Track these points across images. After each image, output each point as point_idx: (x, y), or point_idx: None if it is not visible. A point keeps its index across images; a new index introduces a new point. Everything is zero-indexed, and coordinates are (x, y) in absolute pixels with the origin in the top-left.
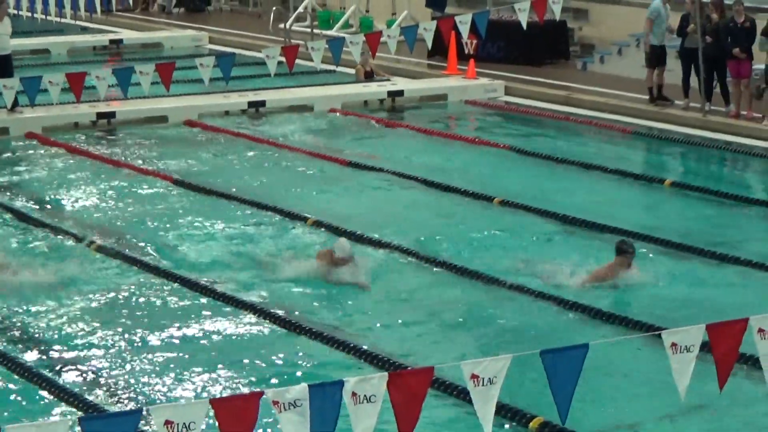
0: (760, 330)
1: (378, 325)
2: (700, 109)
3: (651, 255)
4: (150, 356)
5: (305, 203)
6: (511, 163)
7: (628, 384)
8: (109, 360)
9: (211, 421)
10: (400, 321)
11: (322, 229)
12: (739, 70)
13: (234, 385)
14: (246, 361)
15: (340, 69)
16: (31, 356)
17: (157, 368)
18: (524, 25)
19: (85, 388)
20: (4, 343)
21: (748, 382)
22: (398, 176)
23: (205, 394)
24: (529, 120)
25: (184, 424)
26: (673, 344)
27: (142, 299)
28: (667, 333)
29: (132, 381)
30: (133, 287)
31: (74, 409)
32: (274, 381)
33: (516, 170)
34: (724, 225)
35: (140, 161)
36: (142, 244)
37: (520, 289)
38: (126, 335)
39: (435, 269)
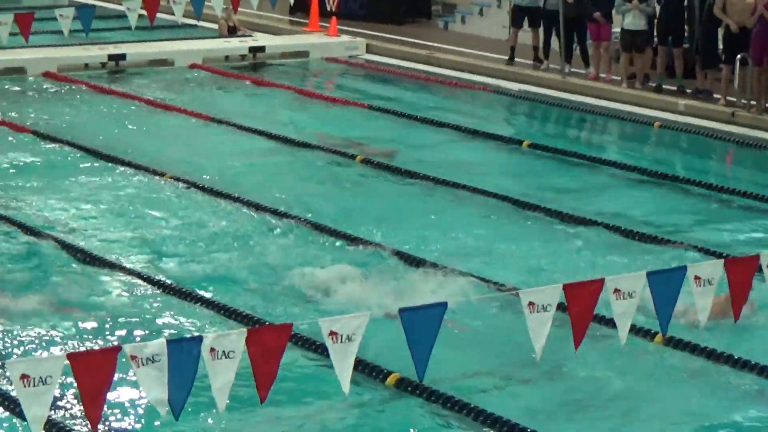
0: (616, 290)
1: (240, 283)
2: (559, 71)
3: (507, 216)
4: (6, 312)
5: (164, 158)
6: (371, 121)
7: (490, 343)
8: None
9: (69, 380)
10: (263, 280)
11: (181, 184)
12: (599, 33)
13: (94, 342)
14: (107, 317)
15: (202, 23)
16: None
17: (16, 324)
18: None
19: None
20: None
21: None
22: (257, 133)
23: (63, 350)
24: (389, 79)
25: (41, 378)
26: (531, 303)
27: None
28: (524, 293)
29: None
30: None
31: None
32: (136, 337)
33: (376, 129)
34: (581, 187)
35: None
36: None
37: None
38: None
39: (300, 228)
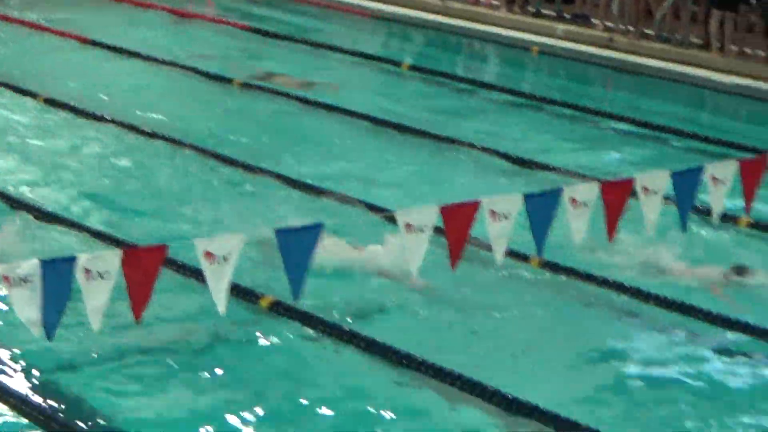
0: (492, 212)
1: (120, 208)
2: None
3: (384, 139)
4: None
5: (38, 79)
6: (253, 44)
7: (367, 267)
8: None
9: None
10: (144, 205)
11: (59, 110)
12: None
13: None
14: None
15: None
16: None
17: None
18: None
19: None
20: None
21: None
22: (133, 55)
23: None
24: (270, 1)
25: None
26: (408, 225)
27: None
28: (401, 213)
29: None
30: None
31: None
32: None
33: (258, 52)
34: (459, 111)
35: None
36: None
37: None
38: None
39: (182, 151)
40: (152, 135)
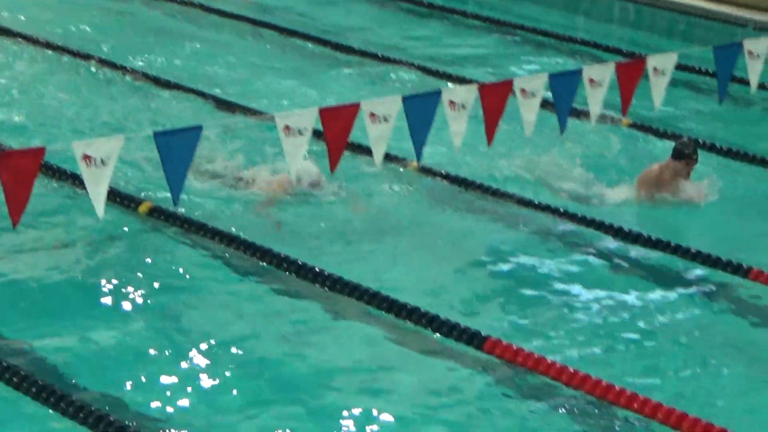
0: (372, 114)
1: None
2: None
3: (270, 40)
4: None
5: None
6: None
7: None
8: None
9: None
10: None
11: None
12: None
13: None
14: None
15: None
16: None
17: None
18: None
19: None
20: None
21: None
22: None
23: None
24: None
25: None
26: (286, 127)
27: None
28: (280, 116)
29: None
30: None
31: None
32: None
33: None
34: (361, 24)
35: None
36: None
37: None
38: None
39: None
40: (33, 41)
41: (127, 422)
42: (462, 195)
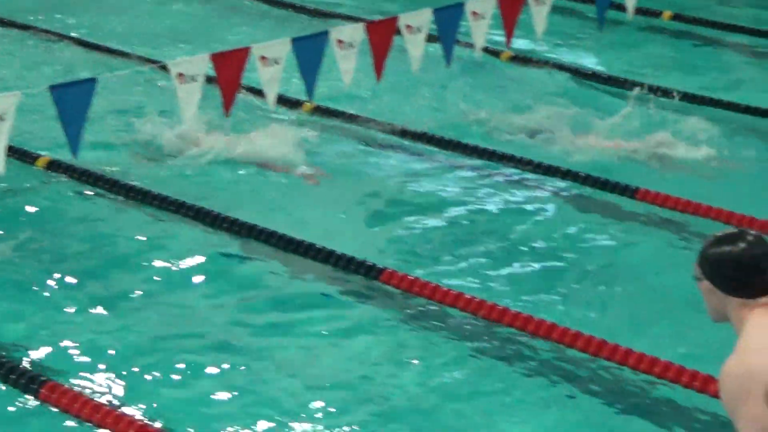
0: (262, 58)
1: None
2: None
3: None
4: None
5: None
6: None
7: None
8: None
9: None
10: None
11: None
12: None
13: None
14: None
15: None
16: None
17: None
18: None
19: None
20: None
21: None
22: None
23: None
24: None
25: None
26: (180, 74)
27: None
28: (173, 64)
29: None
30: None
31: None
32: None
33: None
34: None
35: None
36: None
37: None
38: None
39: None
40: None
41: None
42: (352, 129)
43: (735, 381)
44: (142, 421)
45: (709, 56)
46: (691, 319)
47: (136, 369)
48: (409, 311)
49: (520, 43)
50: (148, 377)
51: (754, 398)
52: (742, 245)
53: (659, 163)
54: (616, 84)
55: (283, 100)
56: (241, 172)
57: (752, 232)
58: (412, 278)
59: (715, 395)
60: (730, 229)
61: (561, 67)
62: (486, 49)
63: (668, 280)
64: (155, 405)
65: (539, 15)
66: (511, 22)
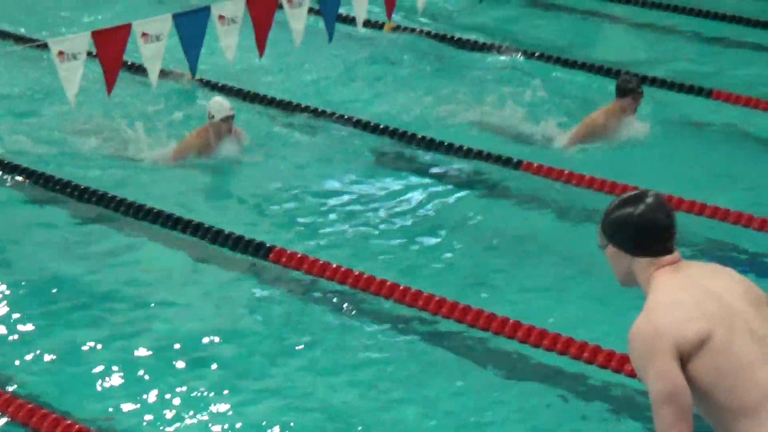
0: (144, 34)
1: None
2: None
3: None
4: None
5: None
6: None
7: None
8: None
9: None
10: None
11: None
12: None
13: None
14: None
15: None
16: None
17: None
18: None
19: None
20: None
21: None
22: None
23: None
24: None
25: None
26: (60, 52)
27: None
28: (53, 42)
29: None
30: None
31: None
32: None
33: None
34: None
35: None
36: None
37: None
38: None
39: None
40: None
41: None
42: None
43: (643, 340)
44: None
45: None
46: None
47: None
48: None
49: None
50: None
51: (662, 355)
52: (641, 206)
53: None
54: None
55: (166, 73)
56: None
57: (652, 192)
58: (301, 255)
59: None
60: (631, 192)
61: (440, 37)
62: (367, 22)
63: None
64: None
65: None
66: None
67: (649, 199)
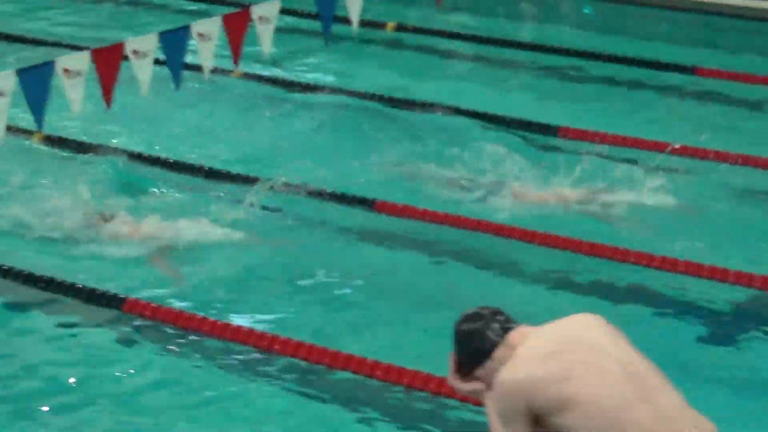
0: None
1: None
2: None
3: None
4: None
5: None
6: None
7: None
8: None
9: None
10: None
11: None
12: None
13: None
14: None
15: None
16: None
17: None
18: None
19: None
20: None
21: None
22: None
23: None
24: None
25: None
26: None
27: None
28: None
29: None
30: None
31: None
32: None
33: None
34: None
35: None
36: None
37: None
38: None
39: None
40: None
41: None
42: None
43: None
44: None
45: (433, 64)
46: None
47: None
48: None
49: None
50: None
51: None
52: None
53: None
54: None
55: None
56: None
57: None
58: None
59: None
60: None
61: (291, 84)
62: (216, 69)
63: None
64: None
65: (265, 34)
66: (237, 42)
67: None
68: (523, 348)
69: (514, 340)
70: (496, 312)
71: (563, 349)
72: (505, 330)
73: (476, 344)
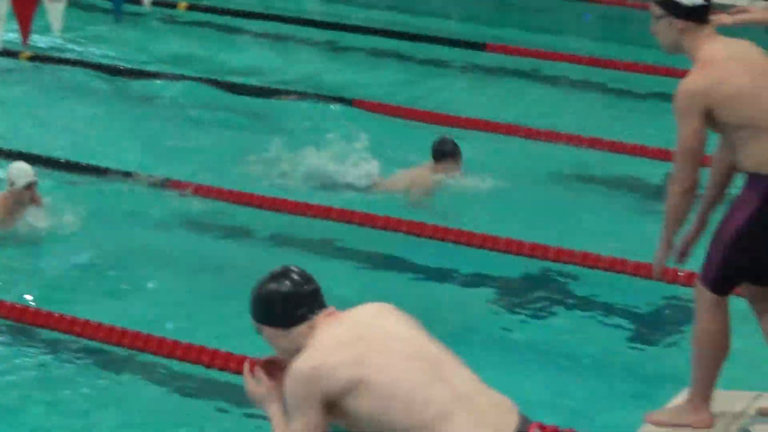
0: None
1: None
2: None
3: None
4: None
5: None
6: None
7: None
8: None
9: None
10: None
11: None
12: None
13: None
14: None
15: None
16: None
17: None
18: None
19: None
20: None
21: None
22: None
23: None
24: None
25: None
26: None
27: None
28: None
29: None
30: None
31: None
32: None
33: None
34: None
35: None
36: None
37: None
38: None
39: None
40: None
41: None
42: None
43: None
44: None
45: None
46: None
47: None
48: None
49: (40, 42)
50: None
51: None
52: (285, 281)
53: None
54: (137, 76)
55: None
56: None
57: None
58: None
59: None
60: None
61: (84, 63)
62: (4, 51)
63: None
64: None
65: (55, 11)
66: (26, 20)
67: (291, 273)
68: (321, 334)
69: (318, 321)
70: (309, 279)
71: (359, 335)
72: (317, 307)
73: (286, 308)
